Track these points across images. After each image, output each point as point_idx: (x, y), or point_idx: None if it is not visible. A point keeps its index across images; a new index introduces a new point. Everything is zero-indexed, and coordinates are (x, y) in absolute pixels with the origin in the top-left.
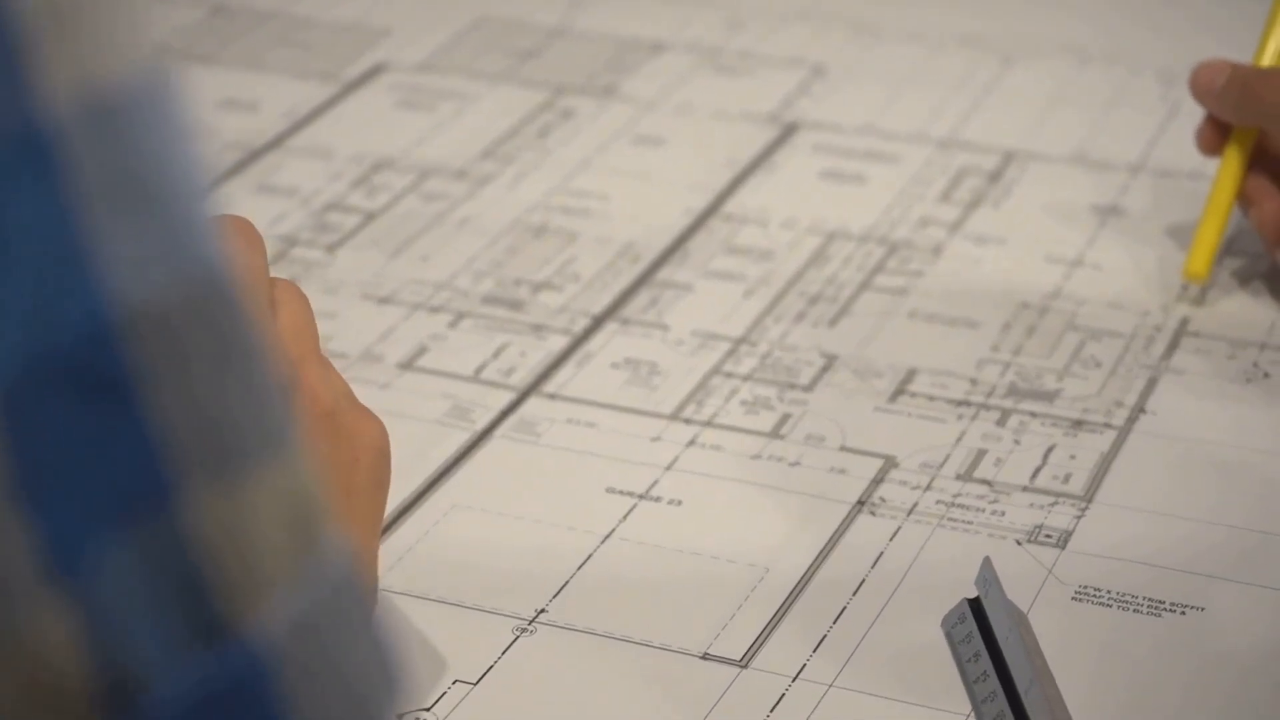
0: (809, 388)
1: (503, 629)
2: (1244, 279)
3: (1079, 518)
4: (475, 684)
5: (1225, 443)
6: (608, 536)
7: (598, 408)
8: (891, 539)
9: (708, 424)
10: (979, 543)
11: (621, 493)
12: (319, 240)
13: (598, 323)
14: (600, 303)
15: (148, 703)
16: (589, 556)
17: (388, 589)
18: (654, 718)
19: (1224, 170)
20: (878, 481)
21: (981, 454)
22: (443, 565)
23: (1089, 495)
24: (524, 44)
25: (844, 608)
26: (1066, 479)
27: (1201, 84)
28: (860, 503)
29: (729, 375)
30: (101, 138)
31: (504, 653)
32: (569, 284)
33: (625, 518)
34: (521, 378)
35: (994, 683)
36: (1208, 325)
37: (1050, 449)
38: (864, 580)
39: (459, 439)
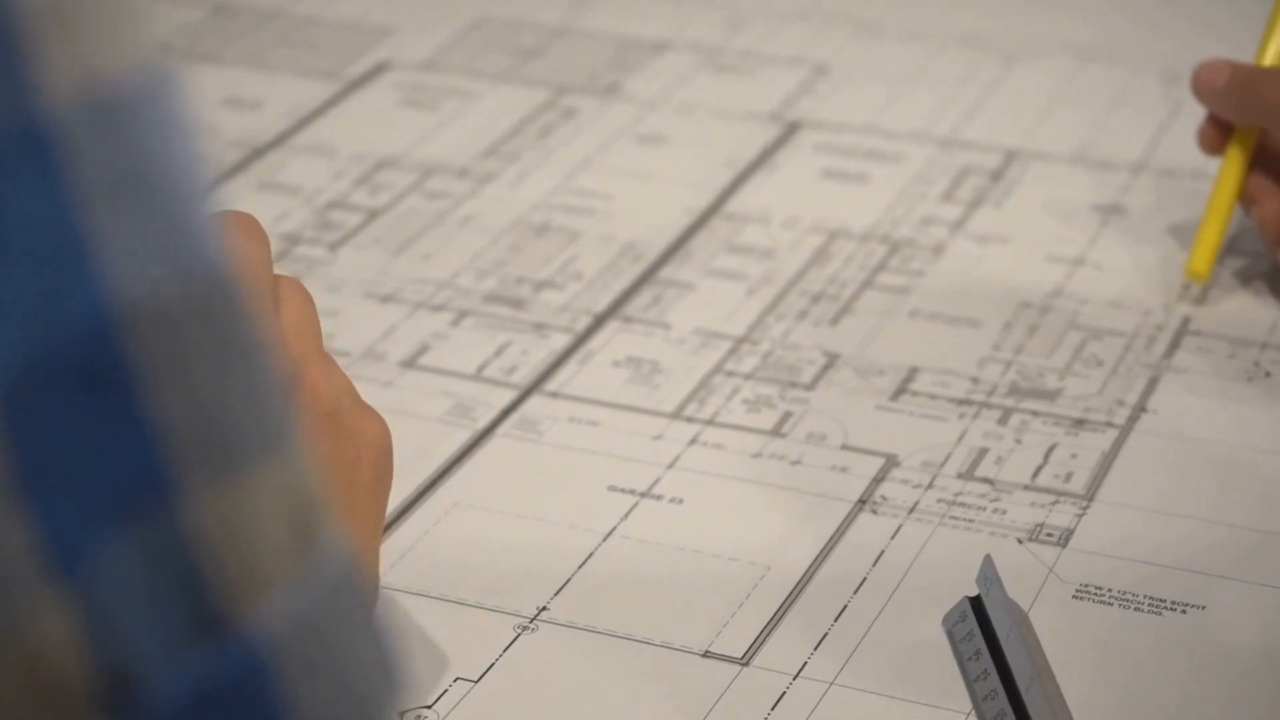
0: (810, 386)
1: (504, 627)
2: (1245, 278)
3: (1080, 516)
4: (476, 682)
5: (1226, 442)
6: (609, 535)
7: (599, 406)
8: (893, 537)
9: (709, 422)
10: (980, 541)
11: (623, 491)
12: (321, 238)
13: (599, 321)
14: (602, 301)
15: (148, 700)
16: (590, 555)
17: (389, 587)
18: (655, 716)
19: (1225, 169)
20: (879, 480)
21: (983, 453)
22: (444, 563)
23: (1090, 494)
24: (526, 43)
25: (845, 606)
26: (1068, 478)
27: (1203, 83)
28: (861, 501)
29: (731, 374)
30: (102, 135)
31: (505, 650)
32: (571, 283)
33: (627, 516)
34: (523, 376)
35: (994, 681)
36: (1209, 324)
37: (1051, 448)
38: (865, 578)
39: (461, 437)
